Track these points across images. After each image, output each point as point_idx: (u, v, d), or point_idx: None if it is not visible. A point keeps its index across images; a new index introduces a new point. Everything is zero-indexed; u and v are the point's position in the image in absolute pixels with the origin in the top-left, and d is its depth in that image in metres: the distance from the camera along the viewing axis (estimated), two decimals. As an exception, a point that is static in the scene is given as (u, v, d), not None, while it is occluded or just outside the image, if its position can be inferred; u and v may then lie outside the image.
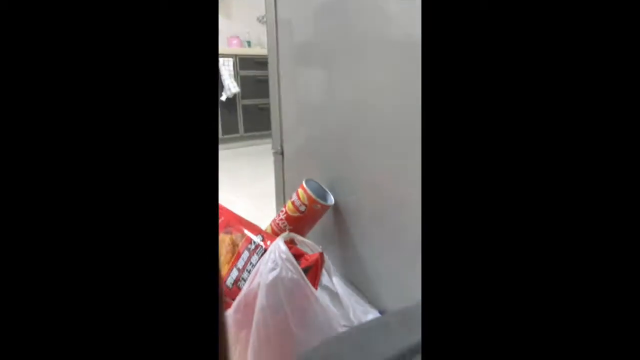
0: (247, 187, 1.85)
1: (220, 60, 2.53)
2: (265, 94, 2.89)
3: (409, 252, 0.56)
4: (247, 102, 2.75)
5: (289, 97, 0.82)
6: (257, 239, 0.58)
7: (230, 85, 2.57)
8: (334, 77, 0.68)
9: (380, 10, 0.55)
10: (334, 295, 0.59)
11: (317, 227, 0.72)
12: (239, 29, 3.06)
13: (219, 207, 0.67)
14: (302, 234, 0.71)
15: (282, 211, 0.71)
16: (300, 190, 0.68)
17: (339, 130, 0.69)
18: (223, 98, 2.59)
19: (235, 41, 2.89)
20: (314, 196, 0.67)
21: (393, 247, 0.60)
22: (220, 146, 2.74)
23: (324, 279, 0.58)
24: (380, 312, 0.62)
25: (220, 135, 2.67)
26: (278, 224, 0.70)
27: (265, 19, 3.02)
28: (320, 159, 0.75)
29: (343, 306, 0.56)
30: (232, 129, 2.73)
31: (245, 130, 2.80)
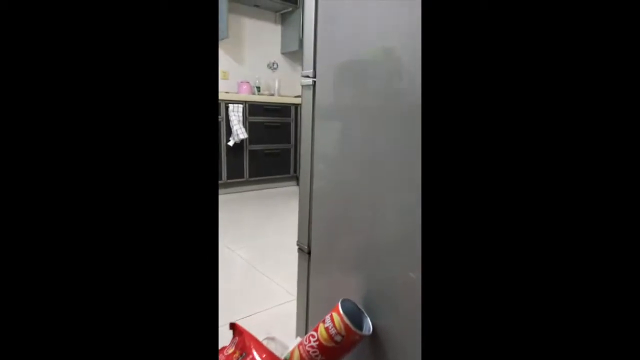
0: (248, 236, 1.79)
1: (230, 106, 2.53)
2: (273, 140, 2.87)
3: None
4: (254, 147, 2.72)
5: (321, 190, 0.77)
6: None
7: (238, 131, 2.55)
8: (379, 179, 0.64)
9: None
10: None
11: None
12: (249, 74, 3.09)
13: (242, 331, 0.60)
14: (335, 362, 0.63)
15: (312, 336, 0.63)
16: (335, 316, 0.62)
17: (380, 242, 0.63)
18: (231, 143, 2.57)
19: (245, 86, 2.90)
20: (352, 326, 0.60)
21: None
22: (225, 190, 2.69)
23: None
24: None
25: (225, 180, 2.63)
26: (309, 352, 0.62)
27: (275, 66, 3.03)
28: (353, 266, 0.69)
29: None
30: (237, 173, 2.69)
31: (250, 175, 2.75)
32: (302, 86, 0.77)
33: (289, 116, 2.86)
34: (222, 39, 2.75)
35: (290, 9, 2.99)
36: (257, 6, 2.98)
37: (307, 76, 0.75)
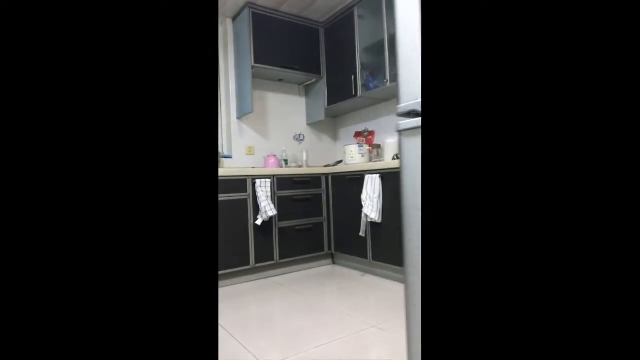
0: (282, 343, 1.25)
1: (258, 181, 2.31)
2: (303, 214, 2.56)
3: None
4: (283, 224, 2.42)
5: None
6: None
7: (267, 208, 2.28)
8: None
9: None
10: None
11: None
12: (276, 147, 2.94)
13: None
14: None
15: None
16: None
17: None
18: (259, 222, 2.28)
19: (272, 160, 2.72)
20: None
21: None
22: (253, 276, 2.33)
23: None
24: None
25: (253, 264, 2.28)
26: None
27: (301, 137, 2.86)
28: None
29: None
30: (266, 256, 2.35)
31: (281, 257, 2.41)
32: (401, 131, 0.49)
33: (320, 187, 2.61)
34: (247, 114, 2.66)
35: (314, 80, 2.94)
36: (280, 80, 2.95)
37: (410, 112, 0.47)
